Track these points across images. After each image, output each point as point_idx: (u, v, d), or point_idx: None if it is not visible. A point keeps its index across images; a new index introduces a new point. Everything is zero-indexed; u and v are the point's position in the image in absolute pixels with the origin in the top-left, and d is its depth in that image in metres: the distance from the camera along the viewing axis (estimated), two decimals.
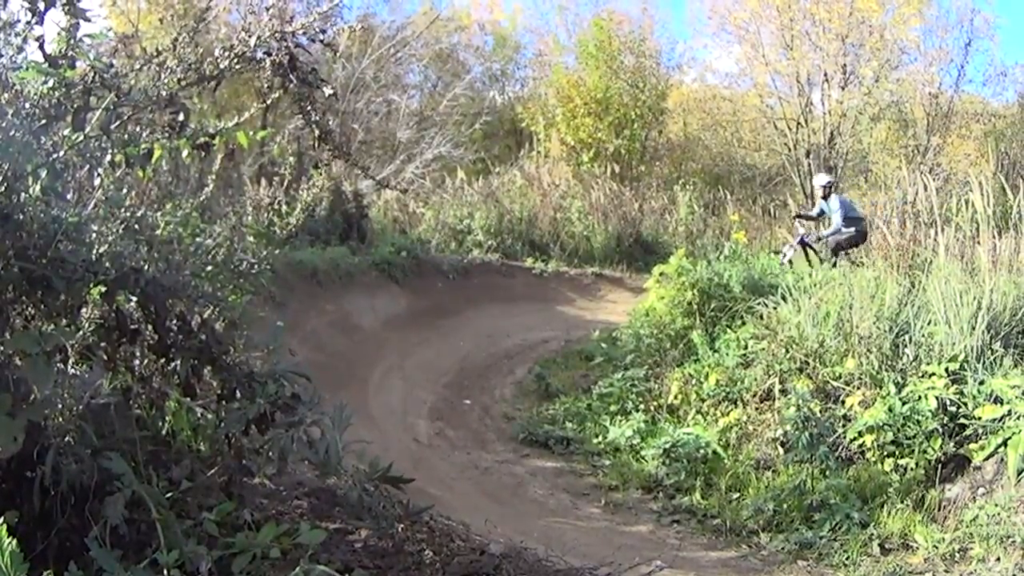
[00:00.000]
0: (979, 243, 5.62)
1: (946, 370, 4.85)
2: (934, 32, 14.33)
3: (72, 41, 2.19)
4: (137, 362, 2.52)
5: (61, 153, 2.15)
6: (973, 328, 4.98)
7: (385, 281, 8.90)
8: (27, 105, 2.13)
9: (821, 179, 11.19)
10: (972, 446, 4.47)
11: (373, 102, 15.74)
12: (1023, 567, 3.60)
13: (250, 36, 2.39)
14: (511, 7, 25.96)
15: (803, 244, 10.92)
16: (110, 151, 2.31)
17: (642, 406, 6.28)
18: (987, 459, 4.40)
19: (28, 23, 2.17)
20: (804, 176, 13.93)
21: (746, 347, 6.22)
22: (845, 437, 4.92)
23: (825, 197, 10.95)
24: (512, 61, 22.32)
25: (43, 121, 2.15)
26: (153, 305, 2.33)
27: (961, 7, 14.10)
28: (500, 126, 20.05)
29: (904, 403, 4.77)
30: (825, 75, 14.04)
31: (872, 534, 4.18)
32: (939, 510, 4.33)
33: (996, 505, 4.09)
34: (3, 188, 2.04)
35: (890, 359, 5.22)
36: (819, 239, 10.82)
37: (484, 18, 22.20)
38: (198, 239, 2.86)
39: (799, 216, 11.59)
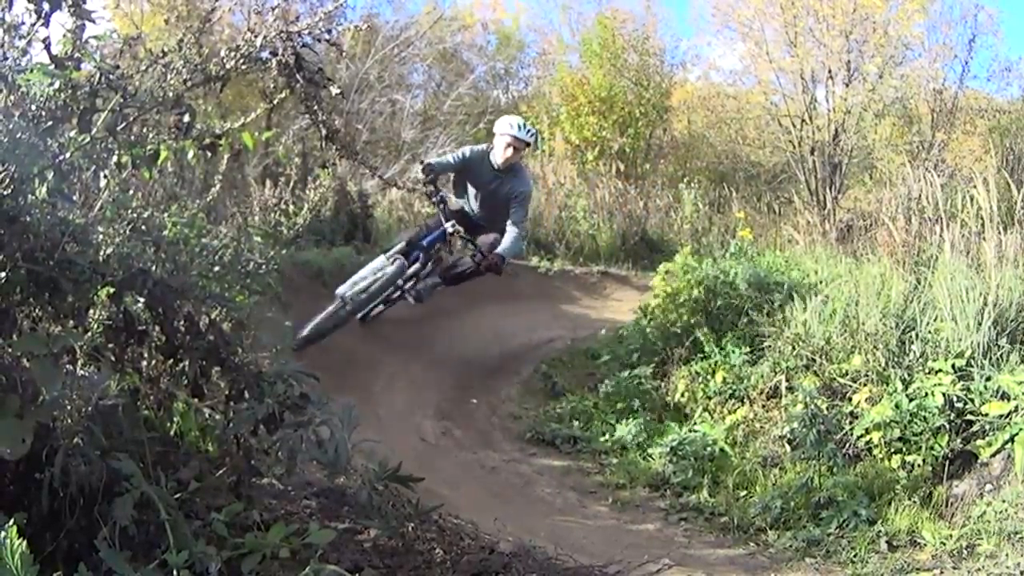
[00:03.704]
0: (984, 239, 5.61)
1: (952, 367, 4.84)
2: (938, 28, 14.24)
3: (78, 43, 2.20)
4: (145, 363, 2.53)
5: (67, 155, 2.15)
6: (979, 324, 4.97)
7: None
8: (33, 107, 2.14)
9: (510, 125, 6.74)
10: (979, 442, 4.47)
11: (377, 102, 15.72)
12: None
13: (255, 36, 2.39)
14: (514, 6, 25.90)
15: (449, 237, 6.63)
16: (116, 152, 2.32)
17: (648, 404, 6.27)
18: (994, 455, 4.40)
19: (33, 25, 2.17)
20: (809, 173, 13.87)
21: (752, 344, 6.22)
22: (852, 434, 4.91)
23: (508, 171, 6.75)
24: (516, 60, 22.29)
25: (49, 123, 2.15)
26: (160, 306, 2.33)
27: (965, 2, 14.03)
28: None
29: (911, 400, 4.76)
30: (829, 72, 13.98)
31: (879, 531, 4.17)
32: (946, 507, 4.33)
33: (1004, 501, 4.09)
34: (10, 190, 2.04)
35: (896, 356, 5.21)
36: (481, 255, 6.57)
37: (487, 17, 22.16)
38: (204, 240, 2.86)
39: (428, 182, 6.42)
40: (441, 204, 6.61)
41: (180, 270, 2.44)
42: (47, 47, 2.20)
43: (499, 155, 6.76)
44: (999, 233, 5.55)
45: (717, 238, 12.29)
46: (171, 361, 2.47)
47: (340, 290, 6.40)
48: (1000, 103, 14.81)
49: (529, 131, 6.86)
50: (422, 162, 6.57)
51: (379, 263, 6.62)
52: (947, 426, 4.60)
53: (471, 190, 6.94)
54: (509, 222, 6.73)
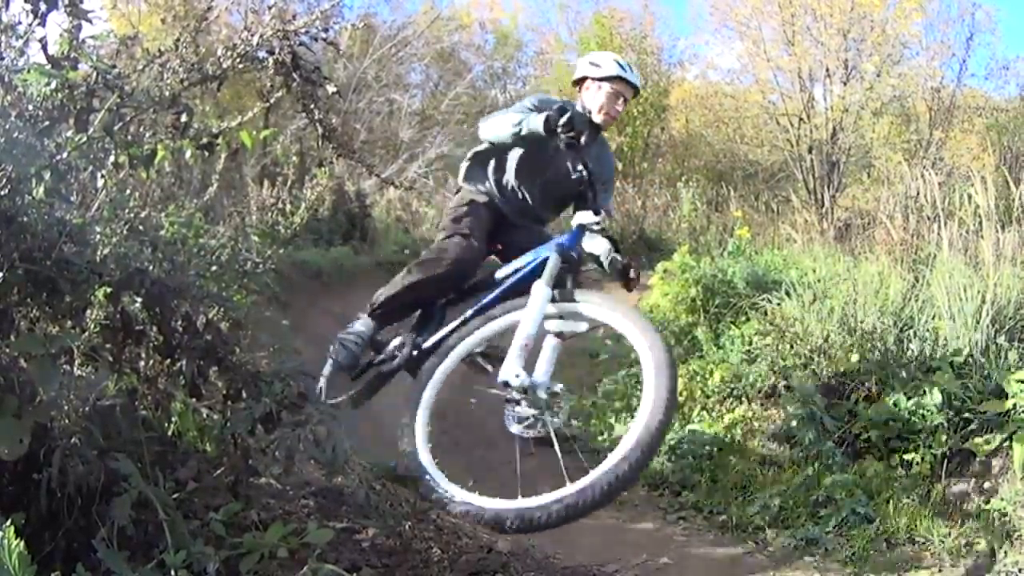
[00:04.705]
0: (982, 237, 5.62)
1: (951, 365, 4.85)
2: (935, 26, 14.33)
3: (75, 42, 2.20)
4: (142, 363, 2.52)
5: (64, 155, 2.15)
6: (977, 322, 4.98)
7: (389, 280, 8.89)
8: (30, 107, 2.14)
9: (617, 64, 4.57)
10: (977, 440, 4.47)
11: (375, 102, 15.76)
12: None
13: (252, 35, 2.40)
14: (512, 5, 26.02)
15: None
16: (113, 152, 2.31)
17: None
18: (993, 454, 4.40)
19: (30, 25, 2.17)
20: (807, 172, 13.89)
21: (751, 343, 6.22)
22: (850, 433, 4.91)
23: (598, 136, 4.68)
24: (513, 59, 22.37)
25: (46, 123, 2.15)
26: (158, 306, 2.33)
27: (963, 1, 14.09)
28: None
29: (909, 398, 4.77)
30: (827, 70, 14.02)
31: (878, 529, 4.17)
32: (945, 505, 4.33)
33: (1002, 499, 4.09)
34: (7, 191, 2.04)
35: (895, 354, 5.22)
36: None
37: (485, 17, 22.28)
38: (202, 240, 2.86)
39: (569, 135, 4.00)
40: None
41: (178, 270, 2.43)
42: (44, 47, 2.20)
43: (599, 109, 4.56)
44: (997, 231, 5.56)
45: (715, 237, 12.30)
46: (169, 361, 2.46)
47: (519, 379, 3.85)
48: (998, 101, 14.89)
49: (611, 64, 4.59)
50: (559, 110, 4.04)
51: (543, 303, 4.01)
52: (945, 424, 4.60)
53: (524, 166, 4.61)
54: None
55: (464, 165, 4.79)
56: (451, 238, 4.48)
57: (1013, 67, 14.71)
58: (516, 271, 4.33)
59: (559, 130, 3.97)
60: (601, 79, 4.56)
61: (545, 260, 4.15)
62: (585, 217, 4.24)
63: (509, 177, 4.64)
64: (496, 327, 4.19)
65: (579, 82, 4.69)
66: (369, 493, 2.65)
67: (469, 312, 4.37)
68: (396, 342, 4.66)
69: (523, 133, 4.16)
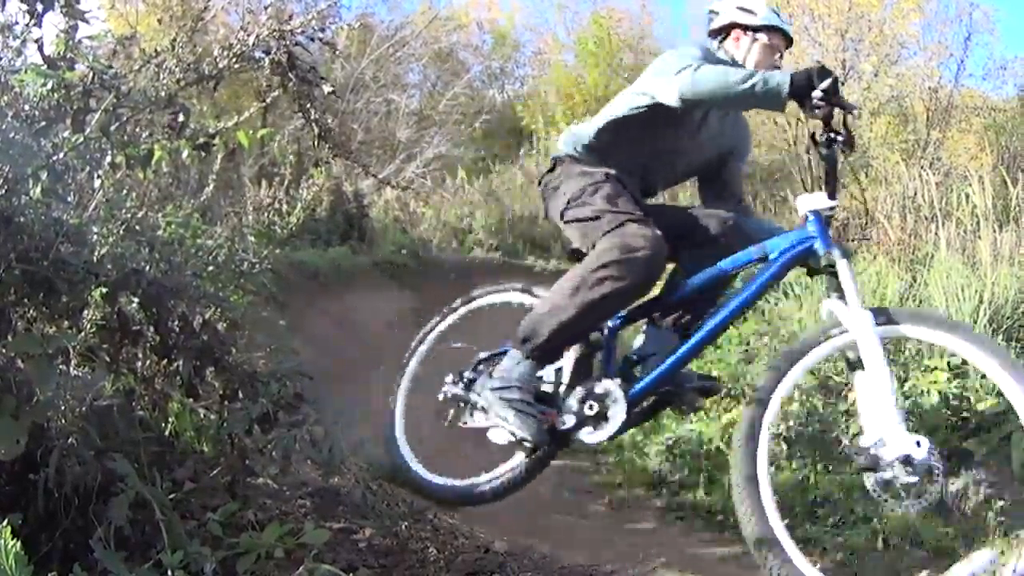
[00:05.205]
0: (980, 237, 5.62)
1: (948, 364, 4.84)
2: (933, 26, 14.32)
3: (71, 43, 2.20)
4: (139, 363, 2.53)
5: (61, 155, 2.15)
6: (975, 322, 4.98)
7: (387, 281, 8.89)
8: (27, 107, 2.14)
9: (774, 12, 3.81)
10: (975, 440, 4.47)
11: (372, 102, 15.74)
12: None
13: (248, 35, 2.40)
14: (509, 5, 26.02)
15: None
16: (110, 152, 2.32)
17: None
18: (990, 453, 4.40)
19: (27, 25, 2.17)
20: (804, 171, 13.87)
21: (748, 343, 6.21)
22: (848, 432, 4.91)
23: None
24: (511, 60, 22.37)
25: (43, 123, 2.15)
26: (155, 306, 2.33)
27: (960, 1, 14.08)
28: (500, 125, 20.04)
29: (907, 398, 4.76)
30: None
31: (875, 529, 4.17)
32: (942, 505, 4.33)
33: (1000, 499, 4.09)
34: (4, 191, 2.04)
35: (892, 354, 5.21)
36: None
37: (482, 17, 22.28)
38: (199, 240, 2.86)
39: (829, 103, 2.97)
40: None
41: (175, 270, 2.44)
42: (40, 47, 2.20)
43: (754, 66, 3.65)
44: (994, 231, 5.56)
45: None
46: (165, 361, 2.47)
47: (922, 447, 2.90)
48: (996, 101, 14.87)
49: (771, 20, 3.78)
50: (819, 71, 2.98)
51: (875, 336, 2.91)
52: (943, 424, 4.60)
53: (650, 135, 3.65)
54: (732, 200, 4.21)
55: (568, 142, 3.80)
56: (626, 226, 3.25)
57: (1011, 67, 14.74)
58: (767, 266, 3.49)
59: (817, 97, 2.98)
60: (756, 28, 3.71)
61: (798, 255, 3.35)
62: (820, 201, 3.19)
63: (631, 147, 3.66)
64: (820, 354, 3.22)
65: (722, 31, 3.80)
66: (366, 493, 2.66)
67: (703, 332, 3.51)
68: (581, 394, 3.41)
69: (760, 91, 3.03)
